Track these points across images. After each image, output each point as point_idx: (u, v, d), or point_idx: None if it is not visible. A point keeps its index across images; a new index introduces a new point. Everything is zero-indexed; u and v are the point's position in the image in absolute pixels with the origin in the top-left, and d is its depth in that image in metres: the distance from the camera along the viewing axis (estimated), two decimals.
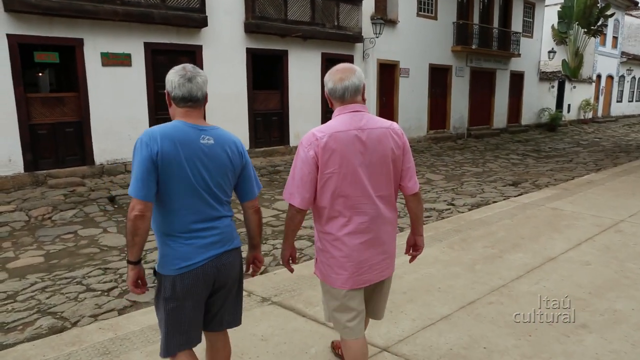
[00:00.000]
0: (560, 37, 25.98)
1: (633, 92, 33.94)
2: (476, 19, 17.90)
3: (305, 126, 12.59)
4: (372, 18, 13.65)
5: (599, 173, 9.30)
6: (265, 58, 11.82)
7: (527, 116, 22.19)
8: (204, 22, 9.99)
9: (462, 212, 7.03)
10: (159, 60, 9.77)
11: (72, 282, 4.53)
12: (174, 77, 1.94)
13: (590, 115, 27.11)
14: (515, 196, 8.09)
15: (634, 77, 33.14)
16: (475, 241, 4.74)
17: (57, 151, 8.88)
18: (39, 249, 5.66)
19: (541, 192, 7.38)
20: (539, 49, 22.22)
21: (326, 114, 13.19)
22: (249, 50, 11.15)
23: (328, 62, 12.97)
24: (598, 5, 24.04)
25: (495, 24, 18.89)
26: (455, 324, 3.03)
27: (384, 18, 13.66)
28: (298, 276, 3.73)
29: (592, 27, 24.26)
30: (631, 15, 32.43)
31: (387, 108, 15.13)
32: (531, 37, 21.36)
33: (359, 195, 2.02)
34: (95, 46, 8.89)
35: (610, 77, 29.93)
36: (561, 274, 3.88)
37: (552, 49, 23.42)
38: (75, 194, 8.10)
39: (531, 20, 21.31)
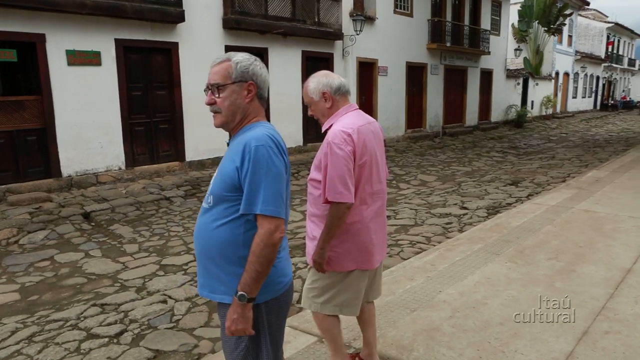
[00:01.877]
0: (521, 35, 26.49)
1: (586, 88, 35.27)
2: (449, 16, 17.77)
3: (288, 128, 11.91)
4: (351, 15, 13.12)
5: (599, 170, 9.13)
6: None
7: (496, 113, 22.38)
8: (180, 17, 9.11)
9: (482, 217, 6.60)
10: (132, 59, 8.81)
11: (65, 326, 3.68)
12: (263, 72, 1.75)
13: (550, 111, 27.83)
14: (526, 197, 7.76)
15: (586, 74, 34.42)
16: (534, 253, 4.25)
17: (17, 163, 7.78)
18: (10, 282, 4.72)
19: (559, 192, 7.03)
20: (505, 47, 22.47)
21: (307, 115, 12.53)
22: (228, 48, 10.34)
23: (309, 61, 12.35)
24: (557, 4, 24.63)
25: (466, 21, 18.86)
26: None
27: (363, 15, 13.15)
28: None
29: (552, 26, 24.87)
30: (580, 15, 33.67)
31: (366, 108, 14.63)
32: (498, 35, 21.55)
33: (377, 182, 2.21)
34: (59, 43, 7.85)
35: (566, 74, 30.89)
36: None
37: (519, 47, 23.77)
38: (43, 211, 7.07)
39: (498, 18, 21.49)
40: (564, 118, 28.34)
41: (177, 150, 9.80)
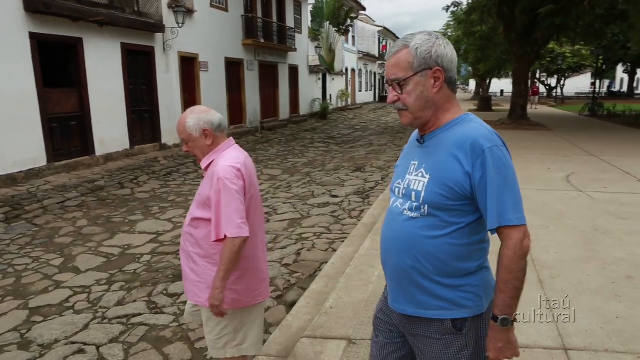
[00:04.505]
0: (314, 34, 28.68)
1: (368, 83, 40.22)
2: (260, 12, 18.09)
3: (111, 130, 10.60)
4: (170, 5, 12.27)
5: None
6: (56, 47, 9.33)
7: (304, 107, 23.82)
8: None
9: (359, 201, 7.06)
10: None
11: None
12: (449, 50, 1.48)
13: (344, 103, 30.93)
14: (381, 180, 8.54)
15: (368, 71, 39.23)
16: None
17: None
18: None
19: None
20: (307, 45, 24.00)
21: (132, 115, 11.35)
22: (33, 36, 8.59)
23: (129, 55, 11.14)
24: (344, 8, 27.36)
25: (274, 18, 19.50)
26: None
27: (183, 6, 12.43)
28: None
29: (341, 27, 27.55)
30: (357, 18, 38.14)
31: (190, 105, 13.93)
32: (301, 32, 22.89)
33: (260, 213, 2.26)
34: None
35: (353, 71, 34.68)
36: None
37: (319, 44, 25.62)
38: None
39: (300, 17, 22.79)
40: (355, 109, 31.80)
41: None
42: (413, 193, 1.47)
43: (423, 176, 1.46)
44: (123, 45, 10.91)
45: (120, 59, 10.85)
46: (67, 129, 9.67)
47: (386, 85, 1.54)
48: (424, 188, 1.45)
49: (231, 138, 2.19)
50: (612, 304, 3.30)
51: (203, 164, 2.12)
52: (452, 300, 1.48)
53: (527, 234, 1.40)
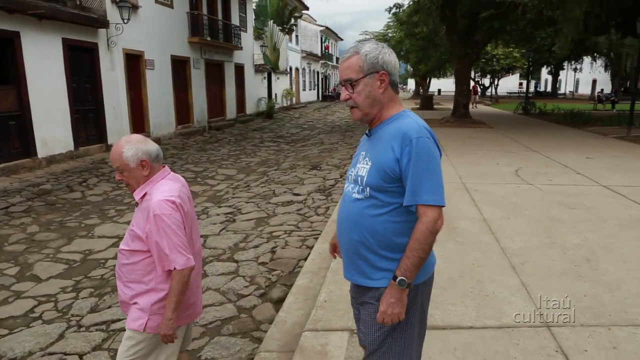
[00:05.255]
0: (259, 32, 28.46)
1: (311, 82, 40.44)
2: (205, 9, 17.71)
3: (54, 130, 10.04)
4: (113, 0, 11.74)
5: None
6: None
7: (249, 106, 23.58)
8: None
9: (322, 199, 7.14)
10: None
11: None
12: (392, 57, 1.73)
13: (289, 102, 30.93)
14: (340, 177, 8.66)
15: (311, 70, 39.44)
16: None
17: None
18: None
19: None
20: (252, 43, 23.77)
21: (75, 114, 10.78)
22: None
23: (71, 51, 10.57)
24: (288, 7, 27.36)
25: (220, 16, 19.15)
26: None
27: (127, 1, 11.94)
28: None
29: (285, 26, 27.53)
30: (300, 18, 38.24)
31: (137, 104, 13.46)
32: (246, 31, 22.63)
33: (197, 240, 2.26)
34: None
35: (297, 70, 34.75)
36: None
37: (264, 42, 25.43)
38: None
39: (245, 15, 22.53)
40: (299, 108, 31.91)
41: None
42: (359, 178, 1.73)
43: (367, 164, 1.72)
44: (65, 40, 10.32)
45: (61, 55, 10.25)
46: (5, 129, 9.02)
47: (339, 86, 1.79)
48: (366, 173, 1.71)
49: (166, 167, 2.14)
50: (578, 284, 3.59)
51: (137, 195, 2.07)
52: (391, 270, 1.68)
53: (442, 216, 1.63)
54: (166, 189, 2.03)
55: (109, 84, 11.95)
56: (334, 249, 2.12)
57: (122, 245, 2.10)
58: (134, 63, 13.25)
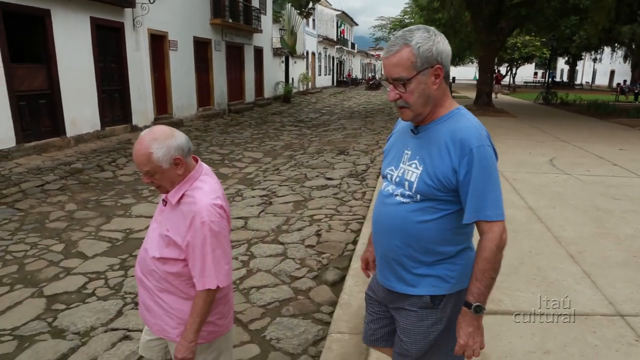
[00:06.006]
0: (276, 16, 28.21)
1: (327, 67, 40.15)
2: None
3: (83, 110, 10.06)
4: None
5: None
6: (21, 19, 8.66)
7: (267, 89, 23.48)
8: None
9: (357, 183, 7.09)
10: None
11: None
12: (446, 45, 1.52)
13: (305, 87, 30.76)
14: (370, 162, 8.60)
15: (327, 55, 39.13)
16: None
17: None
18: None
19: None
20: (270, 26, 23.57)
21: (102, 94, 10.78)
22: None
23: (98, 30, 10.53)
24: None
25: None
26: None
27: None
28: None
29: (304, 10, 27.21)
30: (319, 2, 37.84)
31: (160, 85, 13.42)
32: (265, 14, 22.42)
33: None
34: None
35: (314, 54, 34.48)
36: None
37: (283, 26, 25.21)
38: None
39: None
40: (315, 93, 31.72)
41: None
42: (406, 182, 1.56)
43: (417, 167, 1.54)
44: (92, 19, 10.27)
45: (89, 34, 10.22)
46: (36, 107, 9.04)
47: (385, 82, 1.60)
48: (417, 179, 1.53)
49: (200, 162, 1.87)
50: None
51: (173, 198, 1.77)
52: (435, 276, 1.57)
53: (506, 229, 1.49)
54: (209, 190, 1.78)
55: (134, 65, 11.92)
56: (366, 265, 1.94)
57: (152, 252, 1.81)
58: (158, 44, 13.19)
